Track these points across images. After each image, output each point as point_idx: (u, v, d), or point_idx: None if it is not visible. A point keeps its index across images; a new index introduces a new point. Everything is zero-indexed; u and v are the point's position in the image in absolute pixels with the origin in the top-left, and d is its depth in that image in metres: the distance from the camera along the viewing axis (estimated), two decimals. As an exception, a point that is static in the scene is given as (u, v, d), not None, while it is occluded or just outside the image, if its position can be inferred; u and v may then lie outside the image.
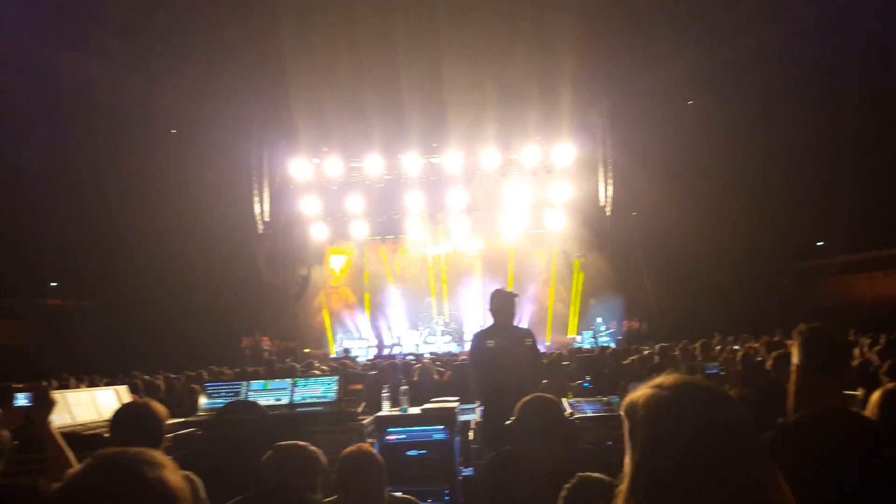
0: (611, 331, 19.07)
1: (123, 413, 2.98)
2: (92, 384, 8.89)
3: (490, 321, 5.72)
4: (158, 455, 1.26)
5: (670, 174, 18.17)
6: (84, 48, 16.28)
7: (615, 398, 6.35)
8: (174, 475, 1.25)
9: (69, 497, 1.22)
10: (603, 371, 8.68)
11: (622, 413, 1.32)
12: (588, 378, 7.92)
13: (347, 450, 3.20)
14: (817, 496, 1.96)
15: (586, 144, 21.05)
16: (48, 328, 15.08)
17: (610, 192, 21.18)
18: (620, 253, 20.31)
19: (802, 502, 1.95)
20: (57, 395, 5.36)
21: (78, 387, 8.45)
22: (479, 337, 5.68)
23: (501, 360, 5.32)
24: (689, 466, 1.14)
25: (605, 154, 21.31)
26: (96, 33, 16.42)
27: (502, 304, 5.60)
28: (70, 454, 2.97)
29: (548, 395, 3.48)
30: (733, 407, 1.22)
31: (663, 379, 1.28)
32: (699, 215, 16.76)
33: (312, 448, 3.14)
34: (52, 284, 16.93)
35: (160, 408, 2.97)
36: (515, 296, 5.78)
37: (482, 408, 5.60)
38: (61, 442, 2.97)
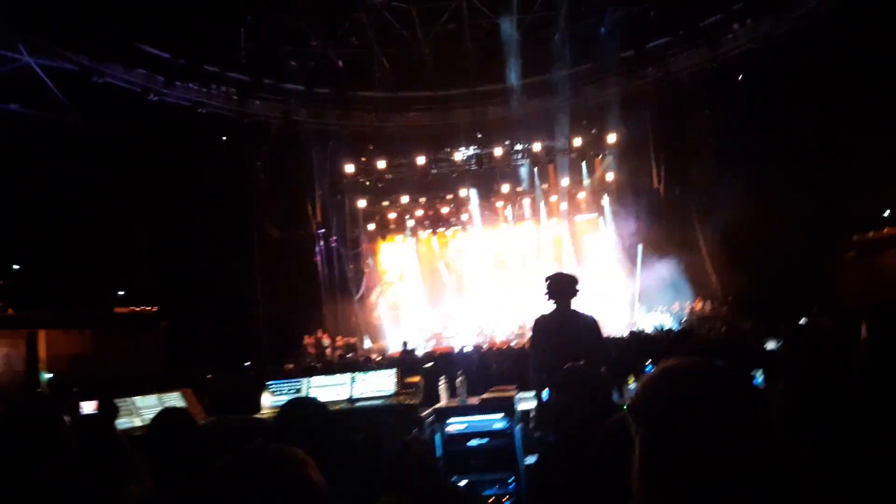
0: (674, 312, 18.70)
1: (157, 421, 3.03)
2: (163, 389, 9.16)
3: (549, 307, 5.54)
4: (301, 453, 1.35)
5: (723, 151, 17.68)
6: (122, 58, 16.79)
7: (678, 380, 6.22)
8: (316, 473, 1.34)
9: (222, 487, 1.27)
10: (665, 354, 8.48)
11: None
12: (650, 362, 7.74)
13: (404, 441, 3.21)
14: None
15: (635, 126, 20.65)
16: (118, 336, 15.62)
17: (662, 173, 20.73)
18: (678, 234, 19.85)
19: None
20: (125, 400, 5.55)
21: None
22: (540, 322, 5.49)
23: (564, 347, 5.14)
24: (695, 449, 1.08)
25: (654, 134, 20.85)
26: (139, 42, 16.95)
27: (560, 287, 5.39)
28: (136, 456, 3.04)
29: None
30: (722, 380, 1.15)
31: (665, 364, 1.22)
32: (756, 191, 16.19)
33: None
34: (119, 293, 17.53)
35: (192, 409, 3.02)
36: (574, 278, 5.57)
37: (547, 393, 5.45)
38: (126, 445, 3.04)
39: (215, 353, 15.30)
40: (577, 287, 5.48)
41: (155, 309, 16.84)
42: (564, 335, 5.22)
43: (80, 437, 3.25)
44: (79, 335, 14.30)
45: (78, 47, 15.68)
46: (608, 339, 11.64)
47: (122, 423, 5.21)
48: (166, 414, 3.15)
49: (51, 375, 12.73)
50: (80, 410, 4.86)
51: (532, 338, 5.71)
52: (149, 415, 5.36)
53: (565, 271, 6.00)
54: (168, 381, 9.17)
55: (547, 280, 5.47)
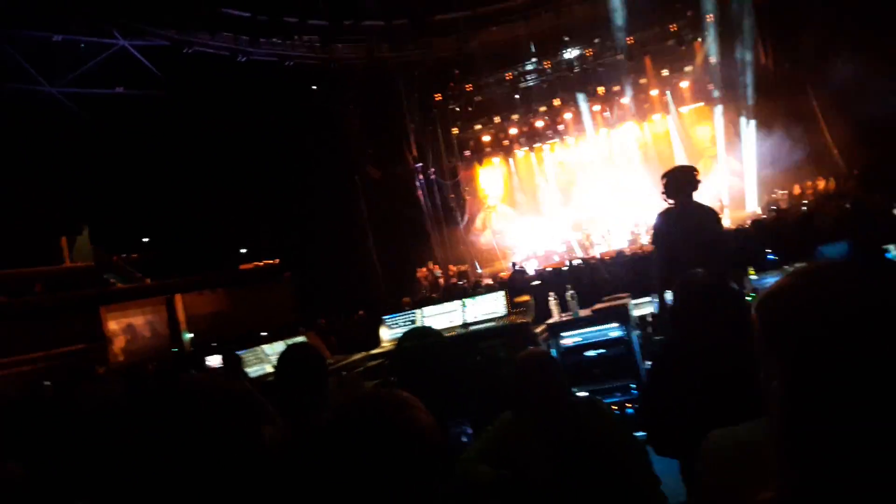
0: (796, 195, 17.59)
1: (285, 357, 3.15)
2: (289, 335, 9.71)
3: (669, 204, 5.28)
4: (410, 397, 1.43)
5: (836, 16, 16.00)
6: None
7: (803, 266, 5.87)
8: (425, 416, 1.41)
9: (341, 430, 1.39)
10: (786, 238, 8.03)
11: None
12: (769, 251, 7.37)
13: (521, 354, 3.21)
14: None
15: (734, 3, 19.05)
16: (247, 291, 16.54)
17: (770, 47, 19.12)
18: (794, 111, 18.41)
19: None
20: (253, 349, 5.91)
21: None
22: (662, 219, 5.25)
23: (687, 242, 4.92)
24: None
25: (757, 6, 19.15)
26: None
27: (679, 181, 5.11)
28: (266, 400, 3.23)
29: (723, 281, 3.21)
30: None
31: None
32: (875, 55, 14.59)
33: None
34: (241, 251, 18.55)
35: (318, 348, 3.11)
36: (692, 169, 5.27)
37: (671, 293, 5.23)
38: (255, 390, 3.23)
39: (338, 296, 15.98)
40: (697, 179, 5.18)
41: (277, 261, 17.67)
42: (687, 230, 4.99)
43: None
44: (211, 295, 15.31)
45: (166, 23, 16.20)
46: (729, 230, 11.15)
47: (254, 370, 5.59)
48: (291, 349, 3.29)
49: (191, 335, 13.77)
50: (207, 364, 5.22)
51: (654, 235, 5.49)
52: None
53: (682, 164, 5.66)
54: (295, 327, 9.73)
55: (663, 178, 5.19)
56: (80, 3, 14.31)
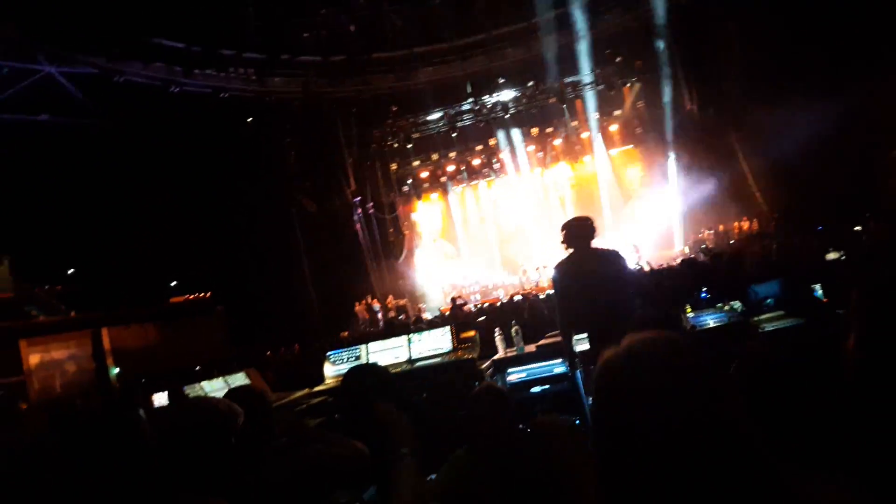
0: (721, 234, 18.36)
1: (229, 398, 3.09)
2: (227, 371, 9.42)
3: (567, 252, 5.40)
4: None
5: (754, 63, 16.96)
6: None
7: (736, 303, 6.08)
8: None
9: None
10: (719, 278, 8.33)
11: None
12: (704, 289, 7.62)
13: (474, 390, 3.22)
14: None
15: (660, 48, 19.98)
16: (177, 325, 16.00)
17: (694, 93, 20.10)
18: (717, 154, 19.33)
19: None
20: (192, 386, 5.71)
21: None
22: (561, 267, 5.36)
23: (589, 286, 5.03)
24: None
25: (682, 54, 20.15)
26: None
27: (576, 231, 5.28)
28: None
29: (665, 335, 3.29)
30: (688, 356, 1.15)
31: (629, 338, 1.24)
32: (793, 100, 15.53)
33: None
34: (172, 283, 17.97)
35: (261, 388, 3.05)
36: (588, 220, 5.44)
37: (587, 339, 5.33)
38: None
39: (272, 331, 15.64)
40: (594, 227, 5.34)
41: (209, 295, 17.20)
42: (587, 275, 5.11)
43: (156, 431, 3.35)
44: (140, 328, 14.72)
45: (96, 50, 15.77)
46: (662, 269, 11.50)
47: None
48: (234, 393, 3.20)
49: (118, 370, 13.18)
50: (153, 404, 5.00)
51: (554, 285, 5.58)
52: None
53: (579, 215, 5.84)
54: (231, 364, 9.45)
55: (562, 228, 5.36)
56: (3, 27, 13.79)
